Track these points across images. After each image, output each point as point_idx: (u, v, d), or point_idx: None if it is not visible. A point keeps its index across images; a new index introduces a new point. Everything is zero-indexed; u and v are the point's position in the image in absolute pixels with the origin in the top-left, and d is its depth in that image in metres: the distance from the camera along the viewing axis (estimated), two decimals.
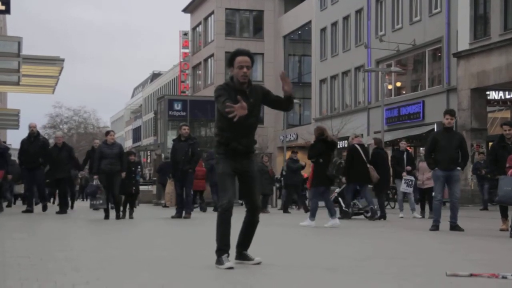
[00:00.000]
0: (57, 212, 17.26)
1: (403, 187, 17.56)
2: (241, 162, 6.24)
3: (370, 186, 16.78)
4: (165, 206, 23.33)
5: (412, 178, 17.44)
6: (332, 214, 13.05)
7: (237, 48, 6.40)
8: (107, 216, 14.93)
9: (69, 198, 19.88)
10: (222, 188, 6.18)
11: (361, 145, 16.47)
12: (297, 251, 8.16)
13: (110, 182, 14.97)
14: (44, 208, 17.92)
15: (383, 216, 16.19)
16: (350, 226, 13.82)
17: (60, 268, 6.02)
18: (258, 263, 6.23)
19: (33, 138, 17.56)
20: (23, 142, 17.66)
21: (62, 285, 5.03)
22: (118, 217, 15.03)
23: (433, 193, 11.88)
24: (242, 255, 6.33)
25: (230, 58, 6.23)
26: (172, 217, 15.75)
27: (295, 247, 8.76)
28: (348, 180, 16.08)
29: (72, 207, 20.51)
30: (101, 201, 15.02)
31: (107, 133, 15.79)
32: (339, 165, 13.61)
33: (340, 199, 16.89)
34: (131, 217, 15.54)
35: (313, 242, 9.84)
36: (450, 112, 12.22)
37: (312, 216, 13.21)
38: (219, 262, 6.05)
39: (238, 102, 5.93)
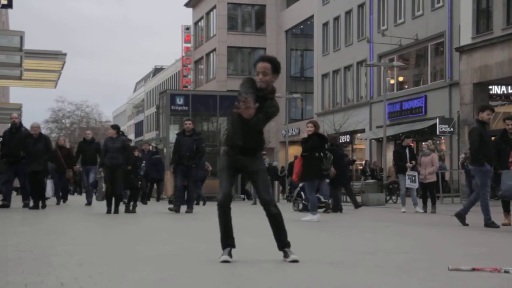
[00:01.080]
0: (26, 206, 16.58)
1: (407, 183, 17.66)
2: (243, 159, 6.26)
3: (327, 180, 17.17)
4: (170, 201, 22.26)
5: (415, 173, 17.46)
6: (313, 209, 13.28)
7: (262, 55, 6.48)
8: (109, 211, 14.96)
9: (60, 193, 19.95)
10: (219, 184, 6.31)
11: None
12: (300, 245, 8.16)
13: (112, 176, 15.03)
14: (25, 205, 16.92)
15: (339, 209, 17.15)
16: (352, 220, 13.84)
17: (63, 262, 6.03)
18: (294, 261, 6.13)
19: (15, 130, 16.86)
20: (5, 134, 17.22)
21: (65, 279, 5.04)
22: (117, 211, 15.01)
23: (473, 188, 11.65)
24: (283, 252, 6.29)
25: (254, 64, 6.37)
26: (170, 209, 15.62)
27: (298, 242, 8.76)
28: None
29: (64, 201, 20.44)
30: (97, 194, 15.15)
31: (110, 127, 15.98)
32: (330, 159, 13.87)
33: (302, 193, 17.63)
34: (133, 211, 15.61)
35: (316, 237, 9.84)
36: (492, 108, 11.92)
37: (314, 211, 13.23)
38: (222, 253, 6.15)
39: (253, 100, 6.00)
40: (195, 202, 19.52)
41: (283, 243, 6.30)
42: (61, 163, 19.22)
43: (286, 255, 6.24)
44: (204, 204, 20.74)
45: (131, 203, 15.88)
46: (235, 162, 6.26)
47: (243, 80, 6.31)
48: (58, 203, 19.42)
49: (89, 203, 18.94)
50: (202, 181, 21.31)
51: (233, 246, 6.21)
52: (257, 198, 19.05)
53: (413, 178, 17.48)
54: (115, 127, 16.01)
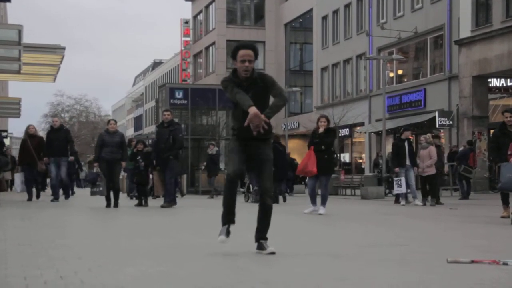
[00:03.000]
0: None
1: (395, 188, 17.91)
2: (250, 146, 6.27)
3: None
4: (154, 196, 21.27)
5: (401, 178, 17.52)
6: (324, 202, 13.29)
7: (240, 41, 6.36)
8: (108, 204, 14.98)
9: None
10: (230, 162, 6.38)
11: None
12: (300, 238, 8.17)
13: (111, 171, 15.02)
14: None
15: (276, 202, 17.65)
16: (352, 214, 13.85)
17: (62, 255, 6.03)
18: (271, 253, 6.15)
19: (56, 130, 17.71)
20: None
21: (64, 272, 5.04)
22: (116, 205, 15.04)
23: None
24: (258, 244, 6.30)
25: (233, 51, 6.19)
26: (162, 206, 15.19)
27: (298, 235, 8.78)
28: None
29: (38, 196, 19.28)
30: (100, 188, 15.11)
31: (108, 122, 15.86)
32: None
33: (251, 186, 19.09)
34: (146, 204, 15.78)
35: (315, 229, 9.85)
36: (510, 111, 11.93)
37: (321, 203, 13.29)
38: (220, 232, 6.16)
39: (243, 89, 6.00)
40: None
41: (262, 235, 6.31)
42: (31, 155, 17.94)
43: (261, 247, 6.24)
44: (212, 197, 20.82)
45: (143, 198, 15.93)
46: (245, 146, 6.27)
47: (222, 84, 6.23)
48: (29, 199, 18.12)
49: (55, 198, 17.57)
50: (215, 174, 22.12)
51: (233, 222, 6.20)
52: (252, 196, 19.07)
53: (399, 182, 17.55)
54: (116, 121, 16.06)
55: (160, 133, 15.30)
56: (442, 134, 34.81)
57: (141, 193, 16.14)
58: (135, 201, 16.84)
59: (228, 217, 6.19)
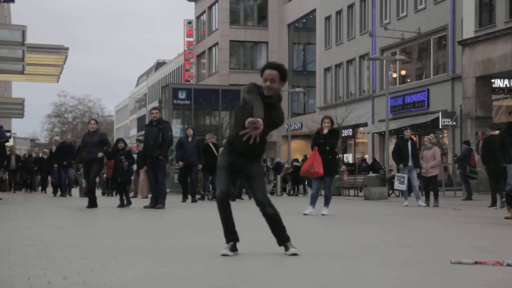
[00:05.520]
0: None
1: (395, 184, 17.80)
2: (240, 161, 6.26)
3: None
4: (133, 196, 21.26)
5: (404, 175, 17.45)
6: (327, 203, 13.31)
7: (270, 62, 6.35)
8: (90, 205, 14.81)
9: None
10: (217, 180, 6.38)
11: (214, 144, 20.40)
12: (303, 239, 8.17)
13: (88, 169, 15.06)
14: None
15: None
16: (355, 214, 13.84)
17: (65, 255, 6.03)
18: (293, 254, 6.13)
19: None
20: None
21: (68, 272, 5.04)
22: (91, 206, 14.75)
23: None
24: (284, 247, 6.29)
25: (262, 70, 6.24)
26: (145, 207, 14.99)
27: (301, 235, 8.77)
28: (203, 170, 19.85)
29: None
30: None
31: (89, 121, 15.85)
32: None
33: (210, 185, 20.57)
34: (128, 204, 15.60)
35: (318, 230, 9.84)
36: None
37: (327, 204, 13.31)
38: (225, 247, 6.17)
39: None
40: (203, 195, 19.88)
41: (282, 238, 6.31)
42: None
43: (286, 249, 6.26)
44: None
45: (124, 198, 15.70)
46: (234, 164, 6.28)
47: (249, 86, 6.20)
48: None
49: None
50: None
51: (235, 240, 6.22)
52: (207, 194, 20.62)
53: (402, 179, 17.50)
54: (97, 122, 16.08)
55: (149, 132, 15.09)
56: (446, 134, 34.79)
57: (122, 192, 15.86)
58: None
59: (229, 236, 6.21)
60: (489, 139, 16.88)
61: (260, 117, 5.84)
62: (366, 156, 40.24)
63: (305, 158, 28.57)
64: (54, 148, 24.93)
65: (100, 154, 14.99)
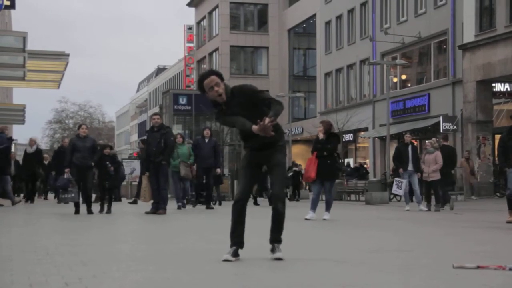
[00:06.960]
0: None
1: (393, 188, 17.81)
2: (262, 154, 6.27)
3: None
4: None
5: (403, 180, 17.47)
6: (328, 208, 13.29)
7: (201, 73, 6.31)
8: (77, 211, 14.67)
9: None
10: (239, 181, 6.46)
11: None
12: (305, 244, 8.16)
13: (82, 176, 14.76)
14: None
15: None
16: (356, 219, 13.83)
17: (67, 262, 6.03)
18: (278, 259, 6.14)
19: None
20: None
21: (69, 279, 5.04)
22: (89, 212, 14.72)
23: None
24: (271, 246, 6.31)
25: (199, 86, 6.16)
26: (147, 212, 14.96)
27: (302, 240, 8.76)
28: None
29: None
30: (72, 195, 14.65)
31: (80, 126, 15.36)
32: None
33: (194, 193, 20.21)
34: (108, 211, 15.34)
35: (320, 235, 9.84)
36: None
37: (324, 208, 13.30)
38: (228, 251, 6.14)
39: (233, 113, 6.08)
40: (213, 201, 19.19)
41: (275, 238, 6.32)
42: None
43: (273, 250, 6.26)
44: (220, 204, 20.53)
45: (106, 204, 15.49)
46: (256, 157, 6.29)
47: (215, 115, 6.27)
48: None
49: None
50: (220, 182, 20.65)
51: (239, 245, 6.20)
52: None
53: (400, 184, 17.52)
54: (87, 126, 15.80)
55: (151, 137, 15.07)
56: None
57: (107, 199, 15.60)
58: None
59: (234, 240, 6.18)
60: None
61: (250, 127, 5.95)
62: (351, 161, 40.47)
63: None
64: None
65: (92, 163, 14.92)
